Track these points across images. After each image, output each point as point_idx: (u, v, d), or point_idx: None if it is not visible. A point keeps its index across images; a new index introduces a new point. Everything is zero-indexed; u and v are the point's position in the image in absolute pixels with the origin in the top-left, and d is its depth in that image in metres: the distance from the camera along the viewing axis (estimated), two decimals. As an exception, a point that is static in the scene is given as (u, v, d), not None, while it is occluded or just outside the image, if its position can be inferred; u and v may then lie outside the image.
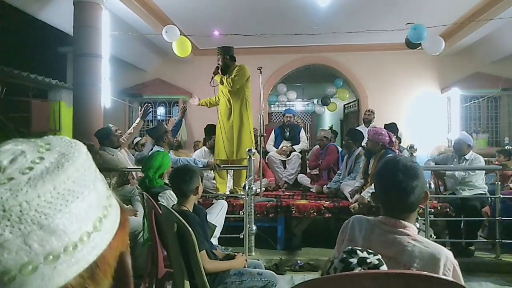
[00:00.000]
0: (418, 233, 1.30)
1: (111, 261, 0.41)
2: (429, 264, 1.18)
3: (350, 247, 1.09)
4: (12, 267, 0.33)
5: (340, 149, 5.69)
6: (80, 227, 0.37)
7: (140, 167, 3.44)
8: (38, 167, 0.37)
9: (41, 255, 0.34)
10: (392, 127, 5.35)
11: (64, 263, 0.35)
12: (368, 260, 1.03)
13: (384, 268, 1.04)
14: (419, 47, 6.01)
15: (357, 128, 6.02)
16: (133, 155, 5.17)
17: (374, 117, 6.37)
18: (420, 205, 1.34)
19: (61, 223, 0.35)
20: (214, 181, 4.73)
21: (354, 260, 1.03)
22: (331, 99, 10.29)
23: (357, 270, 1.02)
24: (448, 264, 1.18)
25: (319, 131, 5.98)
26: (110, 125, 5.17)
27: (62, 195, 0.36)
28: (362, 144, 4.90)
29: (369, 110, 6.50)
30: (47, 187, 0.35)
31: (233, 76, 4.34)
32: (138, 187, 3.71)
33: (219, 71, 4.45)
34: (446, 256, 1.19)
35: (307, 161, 6.15)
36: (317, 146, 5.88)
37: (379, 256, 1.05)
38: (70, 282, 0.36)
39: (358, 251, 1.06)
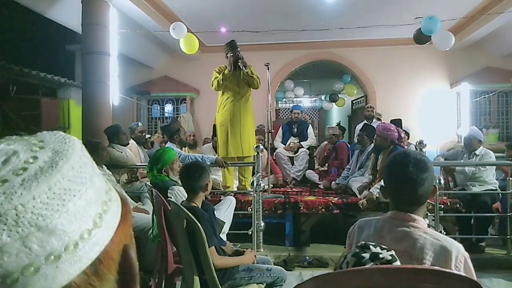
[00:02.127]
0: None
1: (115, 256, 0.40)
2: (441, 257, 1.18)
3: (363, 242, 1.08)
4: (13, 270, 0.33)
5: (349, 145, 5.67)
6: (80, 225, 0.37)
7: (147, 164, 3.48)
8: (32, 167, 0.36)
9: (42, 256, 0.34)
10: (396, 123, 5.34)
11: (66, 262, 0.35)
12: (381, 256, 1.02)
13: (397, 264, 1.03)
14: (428, 42, 5.94)
15: (358, 124, 6.00)
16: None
17: (376, 113, 6.32)
18: (428, 199, 1.34)
19: (60, 223, 0.35)
20: (219, 174, 4.74)
21: (366, 255, 1.03)
22: (339, 95, 10.23)
23: (369, 265, 1.01)
24: (459, 256, 1.19)
25: (327, 129, 5.98)
26: (139, 123, 5.31)
27: (58, 195, 0.35)
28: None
29: (370, 106, 6.47)
30: (42, 188, 0.35)
31: (254, 75, 4.38)
32: (147, 183, 3.74)
33: (232, 66, 4.39)
34: (458, 248, 1.20)
35: (315, 158, 6.15)
36: (326, 142, 5.87)
37: (393, 252, 1.04)
38: (74, 280, 0.36)
39: (371, 246, 1.05)
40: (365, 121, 6.33)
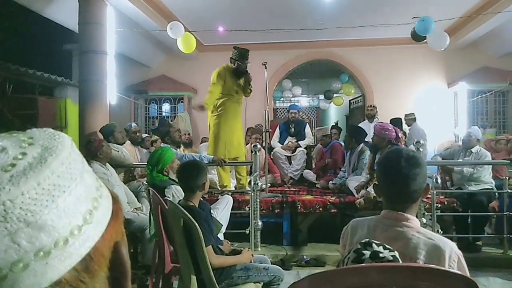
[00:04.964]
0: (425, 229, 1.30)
1: (106, 252, 0.40)
2: (435, 256, 1.18)
3: (368, 239, 1.08)
4: (2, 266, 0.32)
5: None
6: (70, 221, 0.36)
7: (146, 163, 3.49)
8: (21, 163, 0.35)
9: (31, 252, 0.33)
10: (397, 122, 5.36)
11: (56, 258, 0.35)
12: (381, 255, 1.01)
13: None
14: (425, 40, 5.95)
15: (360, 124, 6.00)
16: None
17: (377, 112, 6.34)
18: (421, 197, 1.33)
19: (49, 219, 0.35)
20: (214, 172, 4.74)
21: (367, 253, 1.03)
22: (336, 94, 10.24)
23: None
24: (453, 255, 1.18)
25: (316, 131, 5.96)
26: (133, 124, 5.32)
27: (47, 191, 0.35)
28: (366, 140, 4.89)
29: (371, 105, 6.49)
30: (30, 183, 0.34)
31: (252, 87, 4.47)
32: (145, 183, 3.74)
33: (237, 73, 4.41)
34: (451, 247, 1.20)
35: (312, 160, 6.15)
36: (320, 145, 5.87)
37: (396, 253, 1.03)
38: (64, 276, 0.35)
39: (374, 244, 1.04)
40: (366, 120, 6.35)
